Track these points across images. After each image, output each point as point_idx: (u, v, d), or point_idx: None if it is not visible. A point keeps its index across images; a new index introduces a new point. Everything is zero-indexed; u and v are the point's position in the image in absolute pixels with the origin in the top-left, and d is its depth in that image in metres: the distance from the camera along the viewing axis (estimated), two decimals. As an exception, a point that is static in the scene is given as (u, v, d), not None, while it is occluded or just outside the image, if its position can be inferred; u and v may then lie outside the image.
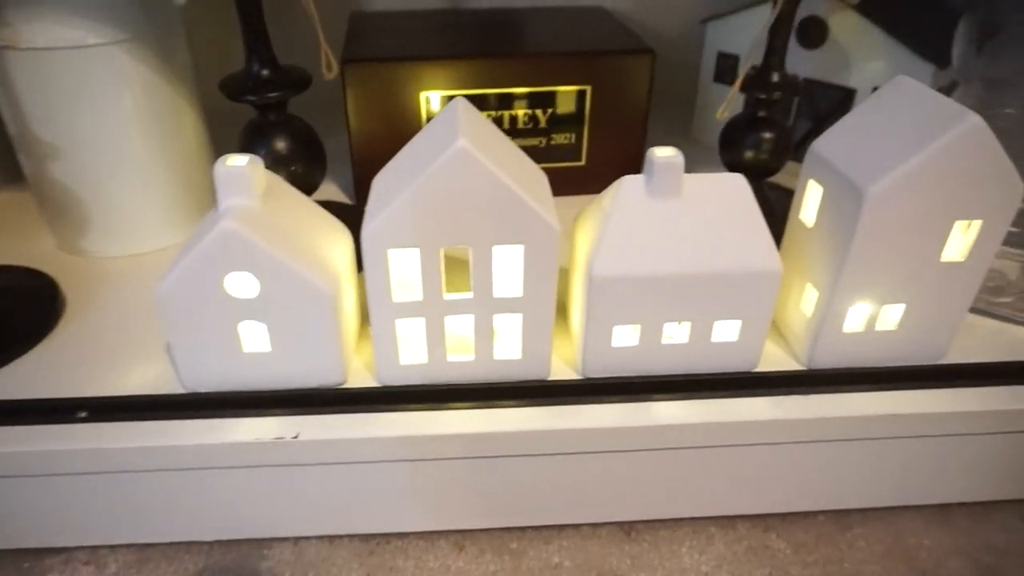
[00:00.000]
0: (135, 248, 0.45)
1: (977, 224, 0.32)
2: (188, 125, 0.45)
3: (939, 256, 0.33)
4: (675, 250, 0.31)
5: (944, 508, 0.39)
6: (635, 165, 0.52)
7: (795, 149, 0.54)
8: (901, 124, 0.31)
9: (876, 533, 0.38)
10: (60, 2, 0.38)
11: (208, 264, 0.30)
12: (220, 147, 0.48)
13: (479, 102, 0.47)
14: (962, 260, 0.33)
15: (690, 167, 0.57)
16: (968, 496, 0.39)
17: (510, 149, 0.33)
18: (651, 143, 0.58)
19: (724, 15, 0.55)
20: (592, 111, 0.48)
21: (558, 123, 0.49)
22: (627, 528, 0.38)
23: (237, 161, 0.30)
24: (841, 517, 0.39)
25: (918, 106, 0.31)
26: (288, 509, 0.35)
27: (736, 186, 0.32)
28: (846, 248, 0.32)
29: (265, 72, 0.39)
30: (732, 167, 0.46)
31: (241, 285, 0.31)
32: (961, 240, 0.33)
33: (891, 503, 0.39)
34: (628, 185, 0.32)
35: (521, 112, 0.48)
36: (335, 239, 0.34)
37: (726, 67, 0.56)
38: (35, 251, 0.45)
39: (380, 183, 0.32)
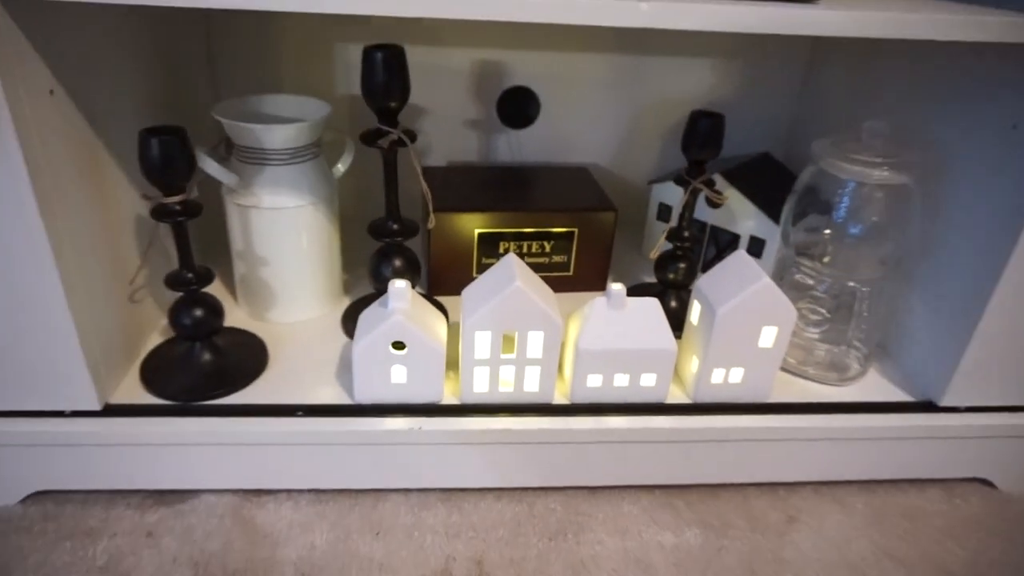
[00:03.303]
0: (299, 317, 0.73)
1: (775, 328, 0.62)
2: (333, 241, 0.74)
3: (758, 344, 0.63)
4: (620, 336, 0.61)
5: (772, 484, 0.69)
6: (604, 275, 0.82)
7: (706, 268, 0.85)
8: (735, 277, 0.62)
9: (737, 494, 0.67)
10: (281, 181, 0.67)
11: (383, 338, 0.59)
12: (347, 248, 0.78)
13: (508, 235, 0.77)
14: (771, 346, 0.63)
15: (639, 274, 0.86)
16: (778, 477, 0.68)
17: (536, 278, 0.62)
18: (617, 258, 0.88)
19: (662, 180, 0.87)
20: (577, 242, 0.79)
21: (556, 249, 0.79)
22: (592, 489, 0.67)
23: (400, 284, 0.59)
24: (712, 488, 0.68)
25: (743, 269, 0.62)
26: (412, 470, 0.63)
27: (654, 304, 0.62)
28: (709, 339, 0.62)
29: (395, 225, 0.68)
30: (662, 282, 0.76)
31: (399, 347, 0.59)
32: (769, 335, 0.63)
33: (743, 480, 0.68)
34: (597, 301, 0.62)
35: (535, 243, 0.78)
36: (439, 321, 0.63)
37: (664, 212, 0.87)
38: (234, 319, 0.73)
39: (467, 296, 0.62)
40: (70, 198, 0.54)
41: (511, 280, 0.58)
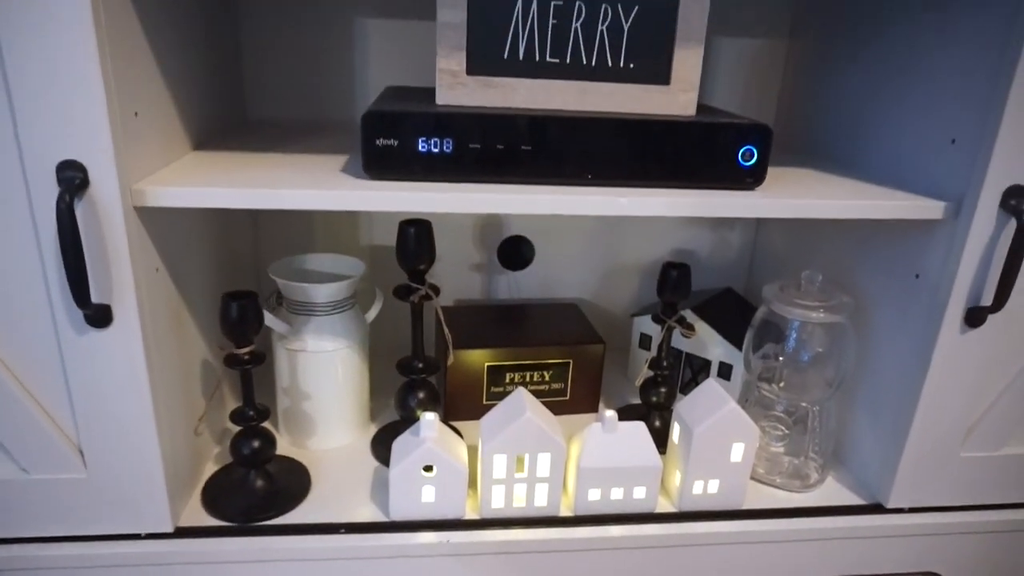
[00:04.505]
0: (334, 444, 0.84)
1: (742, 444, 0.74)
2: (364, 376, 0.86)
3: (730, 458, 0.74)
4: (614, 455, 0.73)
5: (753, 585, 0.78)
6: (596, 398, 0.94)
7: (683, 388, 0.98)
8: (707, 402, 0.74)
9: (718, 597, 0.77)
10: (324, 328, 0.80)
11: (416, 463, 0.70)
12: (375, 380, 0.90)
13: (513, 367, 0.90)
14: (740, 460, 0.75)
15: (626, 395, 0.99)
16: (763, 578, 0.78)
17: (541, 407, 0.74)
18: (606, 382, 1.00)
19: (642, 313, 1.01)
20: (572, 371, 0.92)
21: (554, 378, 0.92)
22: (596, 594, 0.76)
23: (430, 417, 0.71)
24: (702, 589, 0.77)
25: (713, 396, 0.75)
26: (433, 580, 0.73)
27: (641, 428, 0.75)
28: (688, 455, 0.73)
29: (420, 364, 0.81)
30: (646, 404, 0.89)
31: (428, 470, 0.70)
32: (738, 451, 0.75)
33: (726, 581, 0.78)
34: (594, 427, 0.74)
35: (535, 373, 0.91)
36: (461, 446, 0.75)
37: (645, 340, 1.01)
38: (278, 447, 0.84)
39: (486, 424, 0.73)
40: (163, 350, 0.66)
41: (522, 411, 0.70)
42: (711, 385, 0.76)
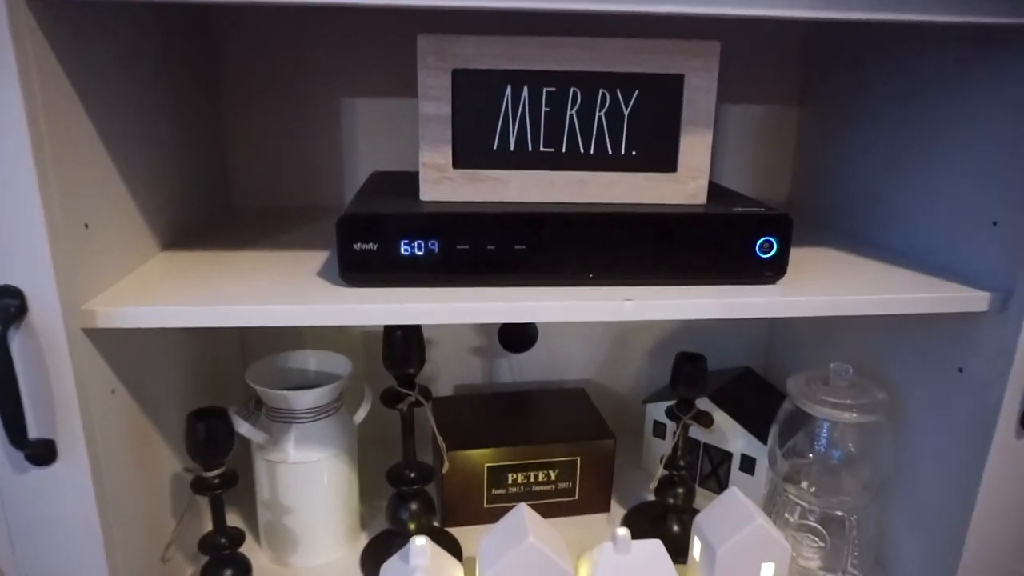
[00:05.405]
0: (320, 560, 0.77)
1: (772, 564, 0.66)
2: (353, 485, 0.79)
3: (759, 580, 0.66)
4: (629, 580, 0.65)
5: None
6: (607, 496, 0.86)
7: (702, 482, 0.90)
8: (731, 515, 0.66)
9: None
10: (307, 437, 0.73)
11: (405, 594, 0.62)
12: (365, 481, 0.82)
13: (516, 467, 0.82)
14: (771, 582, 0.67)
15: (639, 491, 0.91)
16: None
17: (546, 525, 0.67)
18: (618, 472, 0.92)
19: (655, 400, 0.93)
20: (580, 469, 0.84)
21: (561, 477, 0.84)
22: None
23: (421, 542, 0.64)
24: None
25: (737, 508, 0.67)
26: None
27: (657, 547, 0.67)
28: (712, 573, 0.65)
29: (412, 473, 0.73)
30: (663, 506, 0.81)
31: (419, 604, 0.63)
32: (768, 572, 0.66)
33: None
34: (605, 546, 0.66)
35: (540, 472, 0.83)
36: (456, 569, 0.67)
37: (659, 428, 0.93)
38: (258, 564, 0.76)
39: (483, 548, 0.66)
40: (122, 478, 0.59)
41: (524, 534, 0.62)
42: (734, 495, 0.68)
